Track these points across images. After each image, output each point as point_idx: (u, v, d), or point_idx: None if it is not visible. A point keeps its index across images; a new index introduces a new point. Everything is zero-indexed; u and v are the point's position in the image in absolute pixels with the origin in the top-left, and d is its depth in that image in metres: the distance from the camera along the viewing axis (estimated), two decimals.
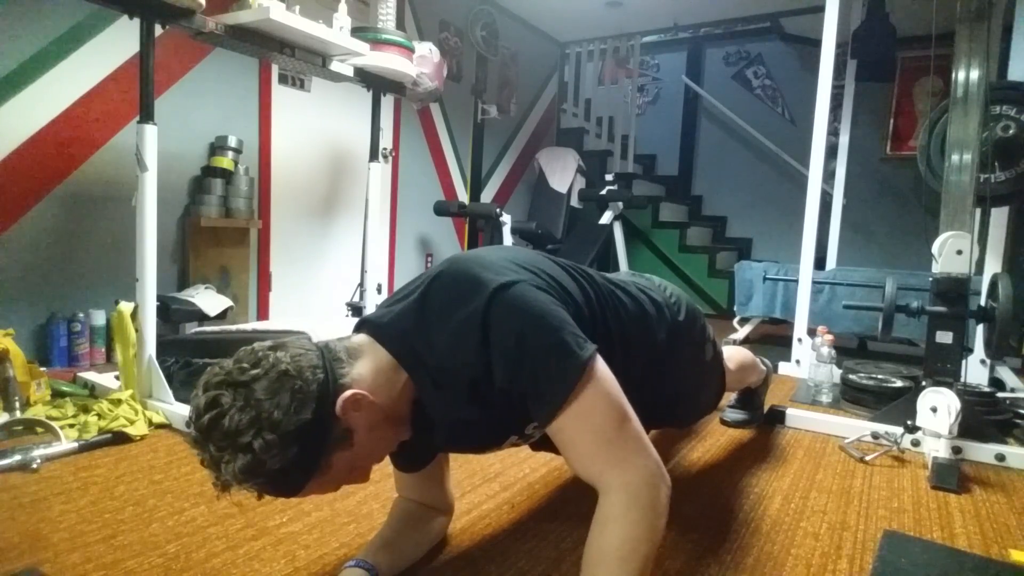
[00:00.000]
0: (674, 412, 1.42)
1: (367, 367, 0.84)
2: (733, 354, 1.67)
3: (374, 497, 1.35)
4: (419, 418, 0.90)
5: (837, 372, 2.41)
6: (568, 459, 0.84)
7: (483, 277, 0.84)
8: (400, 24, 3.51)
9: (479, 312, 0.81)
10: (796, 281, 2.76)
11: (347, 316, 2.88)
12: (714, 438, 1.89)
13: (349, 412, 0.79)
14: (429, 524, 1.11)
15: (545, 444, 0.98)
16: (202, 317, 2.54)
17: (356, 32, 2.38)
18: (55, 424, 1.62)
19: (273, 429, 0.73)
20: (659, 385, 1.21)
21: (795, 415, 2.04)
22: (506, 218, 4.08)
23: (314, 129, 3.40)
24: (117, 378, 1.97)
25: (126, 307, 1.88)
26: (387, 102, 3.57)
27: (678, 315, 1.25)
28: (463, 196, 4.57)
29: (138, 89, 1.81)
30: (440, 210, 4.10)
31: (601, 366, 0.83)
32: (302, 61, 2.25)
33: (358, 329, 0.91)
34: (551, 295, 0.87)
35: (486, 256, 0.91)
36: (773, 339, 3.68)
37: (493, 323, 0.81)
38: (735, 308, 3.63)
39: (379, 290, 2.76)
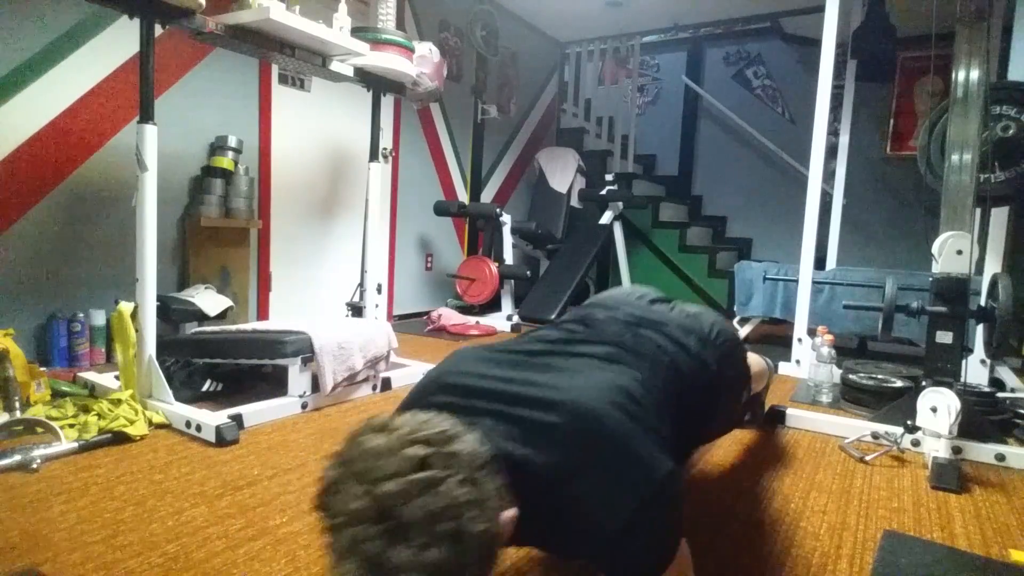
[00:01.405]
0: (713, 436, 1.46)
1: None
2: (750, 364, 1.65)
3: None
4: None
5: (837, 372, 2.41)
6: None
7: (643, 460, 0.77)
8: (400, 24, 3.51)
9: (636, 511, 0.74)
10: (796, 281, 2.76)
11: (347, 316, 2.88)
12: None
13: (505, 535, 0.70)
14: None
15: None
16: (202, 317, 2.54)
17: (356, 32, 2.38)
18: (55, 424, 1.62)
19: (476, 526, 0.62)
20: (699, 428, 1.17)
21: (795, 415, 2.04)
22: (506, 218, 4.09)
23: (314, 129, 3.40)
24: (117, 378, 1.97)
25: (126, 307, 1.88)
26: (387, 102, 3.56)
27: (726, 371, 1.19)
28: (463, 196, 4.57)
29: (138, 89, 1.81)
30: (440, 210, 4.10)
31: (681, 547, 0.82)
32: (302, 61, 2.25)
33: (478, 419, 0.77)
34: (676, 485, 0.80)
35: (626, 412, 0.80)
36: (773, 339, 3.68)
37: (637, 524, 0.74)
38: (735, 308, 3.63)
39: (379, 290, 2.76)
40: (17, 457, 1.43)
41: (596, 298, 1.33)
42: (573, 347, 0.98)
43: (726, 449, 1.80)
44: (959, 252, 1.82)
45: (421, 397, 0.87)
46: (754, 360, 1.72)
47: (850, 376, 2.32)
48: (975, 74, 1.94)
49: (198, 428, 1.70)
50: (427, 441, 0.64)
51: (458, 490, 0.61)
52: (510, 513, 0.69)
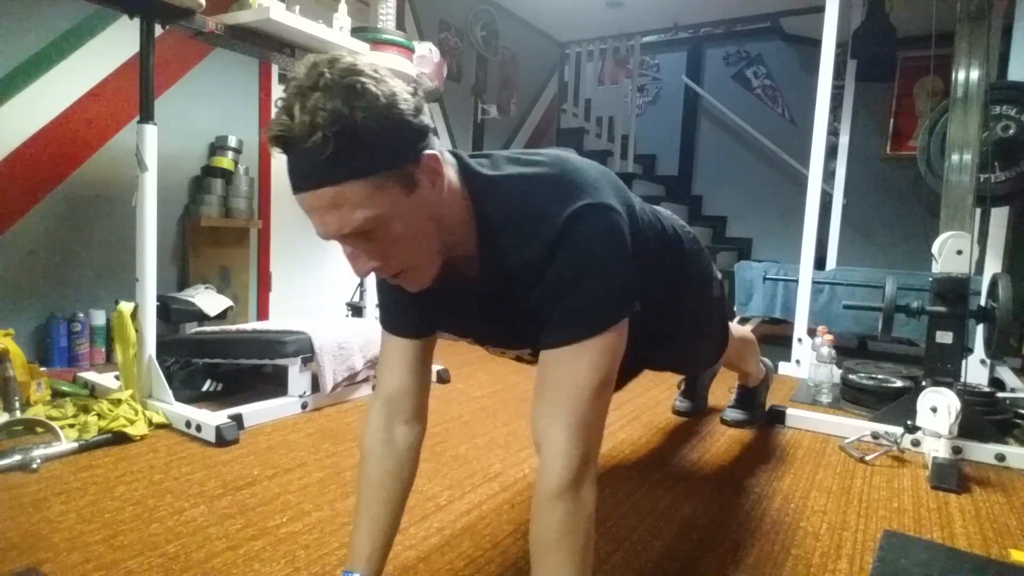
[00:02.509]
0: (678, 347, 1.36)
1: (451, 175, 0.79)
2: (735, 327, 1.64)
3: None
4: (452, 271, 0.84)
5: (837, 372, 2.41)
6: (538, 384, 0.82)
7: (583, 187, 0.81)
8: (400, 24, 3.51)
9: (560, 222, 0.78)
10: (796, 281, 2.76)
11: (347, 316, 2.88)
12: (714, 438, 1.89)
13: (426, 169, 0.73)
14: (403, 468, 0.96)
15: None
16: (202, 317, 2.54)
17: (356, 32, 2.38)
18: (55, 424, 1.62)
19: (389, 97, 0.68)
20: (669, 310, 1.17)
21: (795, 415, 2.04)
22: None
23: None
24: (117, 378, 1.97)
25: (126, 307, 1.88)
26: None
27: (692, 243, 1.23)
28: None
29: (138, 89, 1.81)
30: None
31: (622, 333, 0.82)
32: None
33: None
34: (625, 229, 0.83)
35: (590, 171, 0.87)
36: (773, 339, 3.67)
37: (567, 242, 0.78)
38: (735, 308, 3.63)
39: None
40: (17, 457, 1.43)
41: None
42: None
43: (726, 449, 1.80)
44: (959, 252, 1.82)
45: None
46: (741, 327, 1.72)
47: (850, 376, 2.32)
48: (975, 74, 1.94)
49: (198, 428, 1.70)
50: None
51: (368, 71, 0.68)
52: (435, 153, 0.74)
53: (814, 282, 2.77)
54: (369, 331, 2.27)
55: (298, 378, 2.00)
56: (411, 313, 0.95)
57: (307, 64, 0.67)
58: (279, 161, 3.19)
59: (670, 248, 1.12)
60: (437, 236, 0.78)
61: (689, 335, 1.37)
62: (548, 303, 0.80)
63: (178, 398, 1.85)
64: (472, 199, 0.81)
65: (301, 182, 0.69)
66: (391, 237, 0.73)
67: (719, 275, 1.40)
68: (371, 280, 2.76)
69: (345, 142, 0.65)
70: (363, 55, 0.68)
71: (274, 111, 0.70)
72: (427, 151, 0.73)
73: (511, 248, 0.80)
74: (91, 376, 2.10)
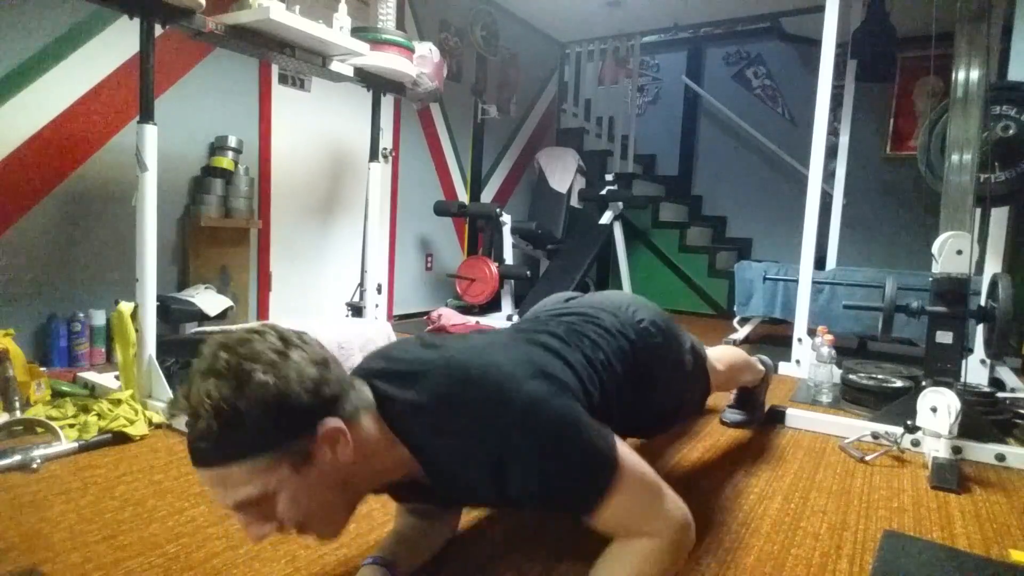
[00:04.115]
0: (661, 423, 1.43)
1: (371, 427, 0.82)
2: (722, 354, 1.64)
3: (374, 497, 1.34)
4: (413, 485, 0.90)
5: (837, 372, 2.41)
6: (612, 533, 0.89)
7: (504, 387, 0.84)
8: (400, 24, 3.51)
9: (495, 442, 0.81)
10: (796, 281, 2.76)
11: (347, 316, 2.88)
12: (714, 438, 1.89)
13: (326, 440, 0.76)
14: (444, 519, 1.11)
15: None
16: (202, 317, 2.54)
17: (356, 32, 2.38)
18: (55, 424, 1.62)
19: (282, 382, 0.72)
20: (647, 405, 1.23)
21: (795, 415, 2.04)
22: (506, 218, 4.08)
23: (314, 129, 3.40)
24: (117, 378, 1.97)
25: (126, 307, 1.88)
26: (387, 102, 3.57)
27: (654, 339, 1.24)
28: (463, 196, 4.57)
29: (138, 89, 1.81)
30: (440, 210, 4.10)
31: (624, 451, 0.87)
32: (302, 61, 2.25)
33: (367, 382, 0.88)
34: (558, 384, 0.89)
35: (492, 356, 0.90)
36: (773, 339, 3.68)
37: (514, 463, 0.81)
38: (735, 308, 3.63)
39: (379, 290, 2.76)
40: (17, 457, 1.43)
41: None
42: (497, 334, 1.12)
43: (726, 449, 1.80)
44: (959, 252, 1.82)
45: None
46: (729, 349, 1.73)
47: (850, 376, 2.32)
48: (975, 74, 1.94)
49: None
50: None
51: (268, 354, 0.73)
52: (335, 424, 0.76)
53: (814, 282, 2.77)
54: (369, 331, 2.27)
55: None
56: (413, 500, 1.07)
57: (215, 345, 0.73)
58: (279, 161, 3.19)
59: (630, 358, 1.16)
60: (342, 496, 0.81)
61: (671, 412, 1.41)
62: (543, 501, 0.86)
63: None
64: (404, 438, 0.84)
65: (193, 460, 0.74)
66: (283, 507, 0.76)
67: (690, 341, 1.41)
68: (371, 280, 2.76)
69: (226, 428, 0.69)
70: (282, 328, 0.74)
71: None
72: (327, 424, 0.75)
73: (461, 477, 0.84)
74: (91, 376, 2.10)
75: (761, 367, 1.94)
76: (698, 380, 1.45)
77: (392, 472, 0.86)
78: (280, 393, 0.71)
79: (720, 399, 2.19)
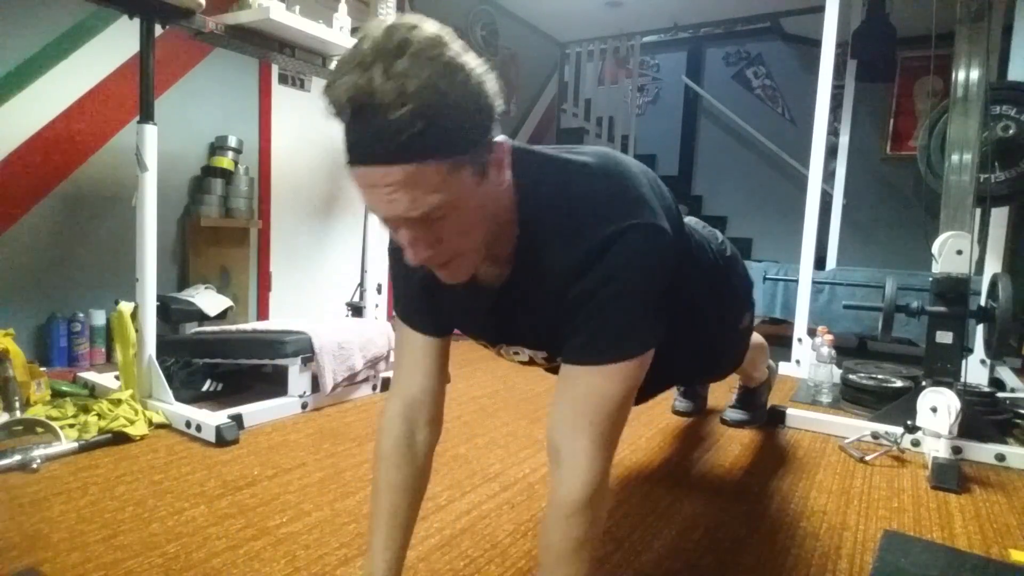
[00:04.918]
0: (696, 366, 1.35)
1: (509, 172, 0.74)
2: (753, 337, 1.64)
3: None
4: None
5: (837, 372, 2.41)
6: (560, 395, 0.80)
7: (637, 202, 0.77)
8: None
9: (607, 235, 0.74)
10: (796, 281, 2.76)
11: (347, 316, 2.88)
12: (714, 438, 1.89)
13: (495, 158, 0.68)
14: (422, 475, 0.98)
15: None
16: (202, 317, 2.54)
17: (356, 32, 2.38)
18: (55, 424, 1.62)
19: (479, 76, 0.63)
20: (702, 333, 1.15)
21: (795, 415, 2.04)
22: None
23: (314, 129, 3.39)
24: (117, 378, 1.97)
25: (126, 307, 1.88)
26: None
27: (732, 260, 1.25)
28: None
29: (138, 89, 1.81)
30: None
31: (647, 361, 0.81)
32: (302, 61, 2.25)
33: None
34: (670, 256, 0.80)
35: (642, 183, 0.82)
36: (773, 339, 3.66)
37: (611, 258, 0.74)
38: None
39: (379, 290, 2.76)
40: (17, 457, 1.43)
41: None
42: None
43: (726, 449, 1.80)
44: (959, 252, 1.82)
45: None
46: (758, 337, 1.73)
47: (850, 376, 2.32)
48: (975, 74, 1.94)
49: (198, 428, 1.70)
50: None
51: (466, 59, 0.63)
52: (506, 141, 0.70)
53: (814, 282, 2.77)
54: (369, 331, 2.27)
55: (298, 378, 2.00)
56: (431, 310, 0.90)
57: (378, 25, 0.61)
58: (279, 161, 3.19)
59: (717, 270, 1.14)
60: (488, 228, 0.73)
61: (711, 359, 1.35)
62: (581, 317, 0.77)
63: (178, 398, 1.85)
64: (520, 196, 0.77)
65: (368, 154, 0.62)
66: (453, 224, 0.67)
67: (754, 303, 1.40)
68: (371, 280, 2.76)
69: (433, 118, 0.59)
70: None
71: (333, 67, 0.64)
72: (498, 139, 0.68)
73: (552, 251, 0.77)
74: (91, 376, 2.10)
75: (767, 368, 1.95)
76: (743, 340, 1.44)
77: (493, 231, 0.75)
78: (481, 88, 0.63)
79: (721, 399, 2.20)
